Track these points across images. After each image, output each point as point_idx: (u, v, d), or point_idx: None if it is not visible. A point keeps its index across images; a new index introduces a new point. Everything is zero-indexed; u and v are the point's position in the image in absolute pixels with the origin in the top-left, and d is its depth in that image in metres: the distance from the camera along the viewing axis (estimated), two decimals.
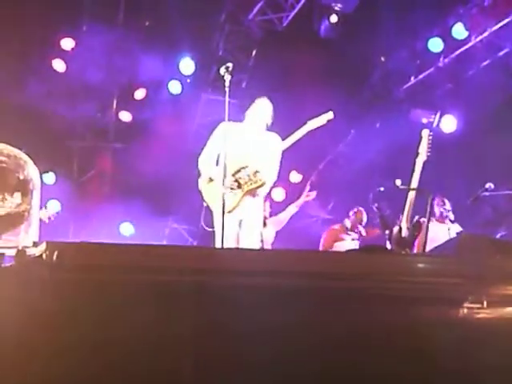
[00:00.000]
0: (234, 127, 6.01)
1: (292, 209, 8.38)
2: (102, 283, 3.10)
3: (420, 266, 3.64)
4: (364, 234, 8.86)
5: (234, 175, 5.98)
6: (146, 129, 10.67)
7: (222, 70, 5.76)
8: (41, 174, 10.00)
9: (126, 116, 11.08)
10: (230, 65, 5.76)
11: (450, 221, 8.30)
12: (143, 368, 2.92)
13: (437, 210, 8.35)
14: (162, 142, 10.53)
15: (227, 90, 5.74)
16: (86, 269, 3.15)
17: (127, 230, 11.10)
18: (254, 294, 3.06)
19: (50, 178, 10.43)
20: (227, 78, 5.74)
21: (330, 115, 6.57)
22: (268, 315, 3.06)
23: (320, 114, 7.08)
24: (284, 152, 6.63)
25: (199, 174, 6.25)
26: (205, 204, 6.19)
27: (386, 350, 3.12)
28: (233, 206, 5.95)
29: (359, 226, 8.87)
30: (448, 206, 8.37)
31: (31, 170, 4.39)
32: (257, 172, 6.02)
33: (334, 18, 9.92)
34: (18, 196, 4.21)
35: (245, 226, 6.03)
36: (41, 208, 5.39)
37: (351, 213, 9.03)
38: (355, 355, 3.09)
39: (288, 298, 3.11)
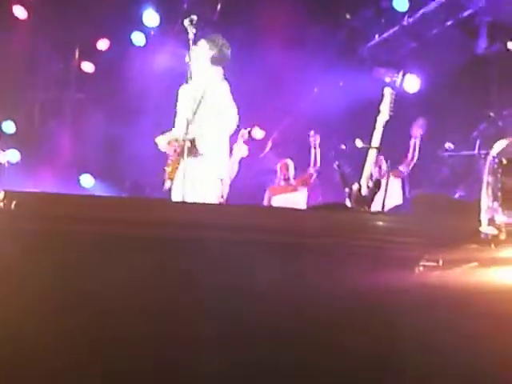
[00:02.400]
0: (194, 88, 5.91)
1: (236, 153, 8.16)
2: (60, 233, 3.10)
3: (377, 223, 3.67)
4: (295, 183, 8.98)
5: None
6: (108, 80, 10.56)
7: (186, 23, 5.69)
8: (0, 122, 9.87)
9: (88, 67, 10.95)
10: (194, 17, 5.69)
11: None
12: (105, 324, 2.93)
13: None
14: (124, 95, 10.46)
15: (191, 43, 5.68)
16: (45, 218, 3.15)
17: (87, 182, 11.03)
18: (215, 247, 3.08)
19: (9, 126, 10.31)
20: (191, 31, 5.67)
21: None
22: (229, 270, 3.08)
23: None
24: (247, 107, 6.61)
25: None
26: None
27: (341, 308, 3.15)
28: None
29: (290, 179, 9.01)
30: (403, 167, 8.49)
31: None
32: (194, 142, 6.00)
33: None
34: None
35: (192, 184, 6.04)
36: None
37: (277, 167, 9.16)
38: (309, 316, 3.13)
39: (247, 253, 3.14)
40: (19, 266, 2.95)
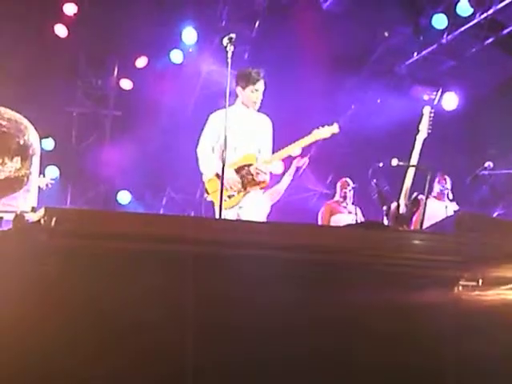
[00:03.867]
0: (227, 114, 5.93)
1: (286, 179, 8.27)
2: (100, 250, 3.10)
3: (417, 242, 3.64)
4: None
5: (238, 172, 6.06)
6: (146, 97, 10.63)
7: (225, 41, 5.70)
8: (40, 140, 10.00)
9: (126, 84, 11.04)
10: (233, 35, 5.70)
11: (449, 199, 8.32)
12: (141, 338, 2.93)
13: (436, 187, 8.37)
14: (162, 112, 10.52)
15: (229, 61, 5.69)
16: (85, 235, 3.15)
17: (124, 199, 11.10)
18: (253, 265, 3.07)
19: (49, 143, 10.41)
20: (230, 49, 5.68)
21: (335, 128, 6.45)
22: (265, 288, 3.07)
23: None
24: (283, 124, 6.64)
25: (199, 165, 6.30)
26: (207, 197, 6.25)
27: (381, 327, 3.13)
28: (233, 205, 6.10)
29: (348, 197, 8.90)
30: (448, 184, 8.38)
31: (31, 135, 4.38)
32: (259, 171, 6.09)
33: None
34: (17, 161, 4.20)
35: (244, 213, 6.12)
36: (40, 174, 5.37)
37: (337, 185, 9.07)
38: (348, 334, 3.11)
39: (286, 271, 3.13)
40: (59, 283, 2.96)
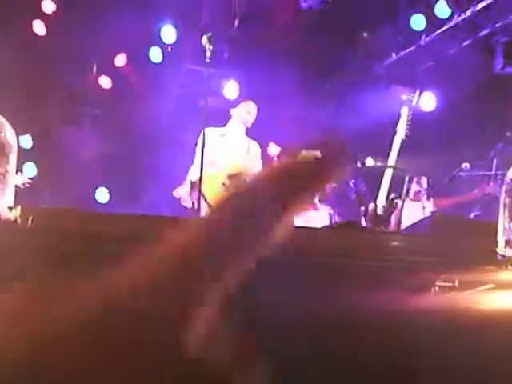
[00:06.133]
0: (218, 133, 5.98)
1: None
2: (77, 250, 3.09)
3: (394, 243, 3.66)
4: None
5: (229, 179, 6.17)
6: (125, 96, 10.60)
7: (204, 40, 5.72)
8: (18, 137, 9.87)
9: (105, 82, 10.99)
10: (209, 34, 5.72)
11: (426, 199, 8.37)
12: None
13: (413, 187, 8.42)
14: (141, 110, 10.49)
15: (208, 60, 5.71)
16: (61, 235, 3.15)
17: (103, 197, 11.04)
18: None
19: (26, 141, 10.35)
20: (208, 47, 5.70)
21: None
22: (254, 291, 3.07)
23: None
24: (265, 123, 6.70)
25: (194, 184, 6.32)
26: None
27: (355, 330, 3.14)
28: None
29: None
30: (425, 184, 8.42)
31: (7, 133, 4.33)
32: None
33: None
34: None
35: None
36: (17, 172, 5.33)
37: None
38: (324, 338, 3.12)
39: (266, 274, 3.12)
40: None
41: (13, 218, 3.30)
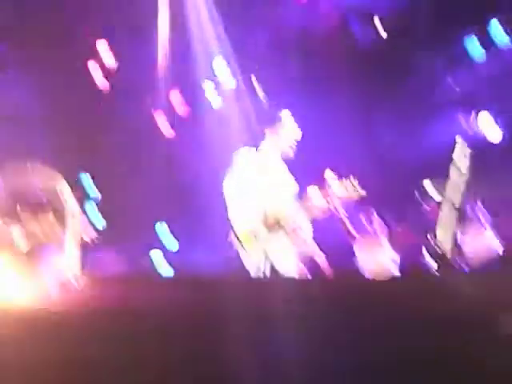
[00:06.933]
0: (256, 158, 5.90)
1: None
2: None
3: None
4: None
5: (270, 230, 6.06)
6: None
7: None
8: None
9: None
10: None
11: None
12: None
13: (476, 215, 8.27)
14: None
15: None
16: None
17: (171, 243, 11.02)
18: None
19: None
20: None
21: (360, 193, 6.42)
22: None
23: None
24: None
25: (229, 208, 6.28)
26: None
27: None
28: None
29: None
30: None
31: (68, 201, 4.43)
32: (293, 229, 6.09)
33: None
34: (51, 216, 4.25)
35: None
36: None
37: None
38: None
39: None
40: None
41: (79, 288, 3.37)
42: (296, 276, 5.86)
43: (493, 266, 6.70)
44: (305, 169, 6.75)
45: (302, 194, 6.50)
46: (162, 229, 11.10)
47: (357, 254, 8.78)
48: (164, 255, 10.74)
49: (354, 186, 6.31)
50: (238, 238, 6.13)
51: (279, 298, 3.37)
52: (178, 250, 10.80)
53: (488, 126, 10.21)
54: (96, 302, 3.30)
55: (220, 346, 3.01)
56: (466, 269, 5.69)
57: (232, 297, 3.27)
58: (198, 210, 10.46)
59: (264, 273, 5.52)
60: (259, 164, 5.90)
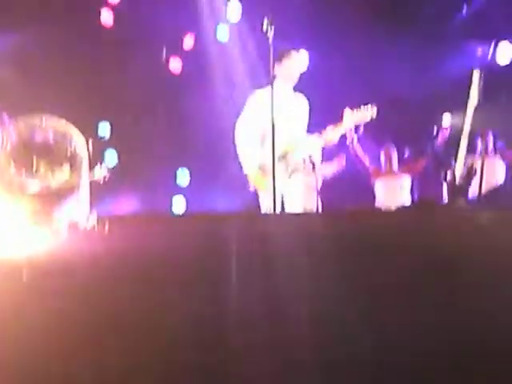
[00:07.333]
0: (267, 96, 5.86)
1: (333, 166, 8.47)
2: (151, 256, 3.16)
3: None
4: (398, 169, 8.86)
5: (280, 160, 6.01)
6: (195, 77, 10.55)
7: (265, 25, 5.63)
8: (97, 124, 9.95)
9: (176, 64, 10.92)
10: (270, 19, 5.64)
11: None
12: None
13: (490, 145, 8.24)
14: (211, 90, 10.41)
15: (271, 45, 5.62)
16: (135, 240, 3.21)
17: (183, 179, 11.01)
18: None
19: (105, 127, 10.44)
20: (270, 33, 5.60)
21: (372, 113, 6.39)
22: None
23: None
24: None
25: (237, 149, 6.30)
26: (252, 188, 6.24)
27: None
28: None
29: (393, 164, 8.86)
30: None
31: (78, 144, 4.44)
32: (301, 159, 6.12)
33: None
34: (67, 170, 4.27)
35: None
36: (96, 164, 5.37)
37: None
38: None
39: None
40: (114, 289, 3.01)
41: (89, 227, 3.39)
42: (308, 211, 5.90)
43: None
44: (321, 105, 6.75)
45: (319, 129, 6.51)
46: (182, 173, 11.14)
47: (375, 189, 8.82)
48: (183, 199, 10.80)
49: (367, 110, 6.34)
50: (248, 176, 6.18)
51: (291, 233, 3.37)
52: (196, 194, 10.83)
53: (507, 56, 10.07)
54: (108, 241, 3.32)
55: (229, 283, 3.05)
56: (481, 201, 5.68)
57: (244, 232, 3.29)
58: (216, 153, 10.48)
59: (275, 209, 5.53)
60: (273, 104, 5.86)
